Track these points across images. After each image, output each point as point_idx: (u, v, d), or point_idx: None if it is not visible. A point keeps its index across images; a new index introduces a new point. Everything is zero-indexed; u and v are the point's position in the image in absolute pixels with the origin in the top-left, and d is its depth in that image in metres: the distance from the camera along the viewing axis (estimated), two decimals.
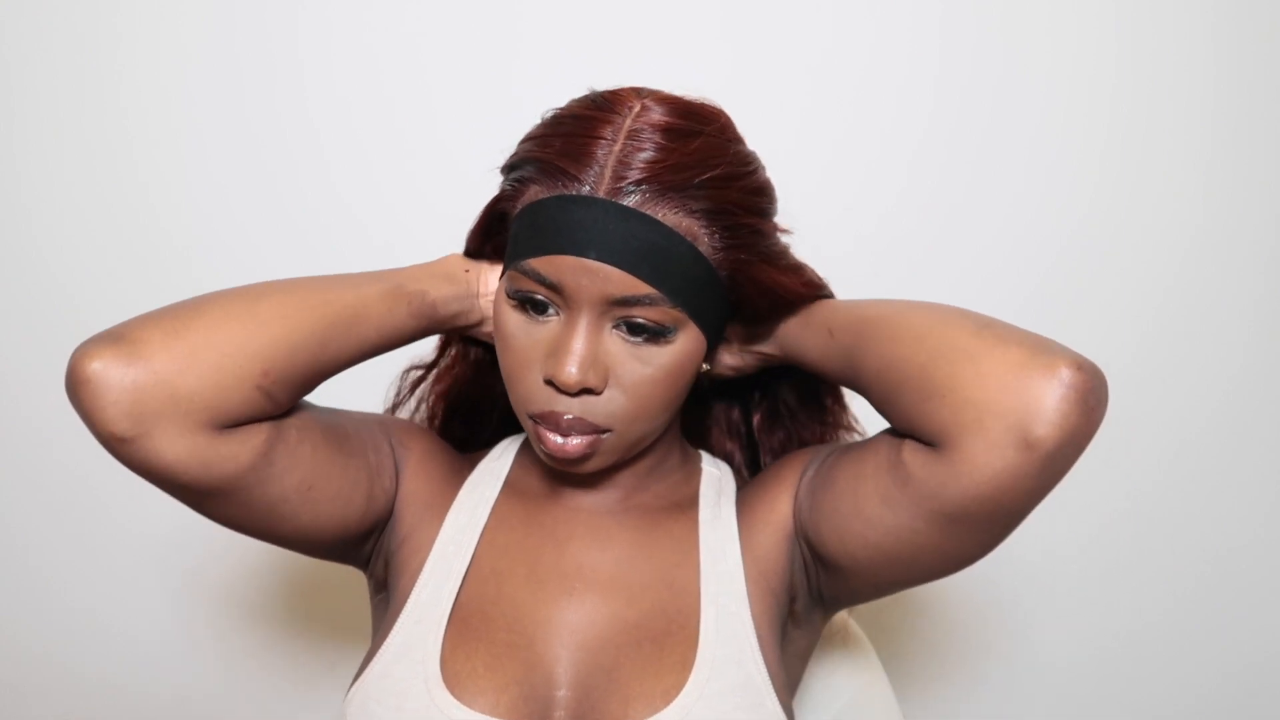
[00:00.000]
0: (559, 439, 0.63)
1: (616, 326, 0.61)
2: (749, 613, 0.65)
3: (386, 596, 0.71)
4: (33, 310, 1.18)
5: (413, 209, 1.15)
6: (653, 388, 0.63)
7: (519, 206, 0.64)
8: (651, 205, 0.59)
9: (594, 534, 0.70)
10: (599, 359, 0.61)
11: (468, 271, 0.70)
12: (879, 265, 1.18)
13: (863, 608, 0.75)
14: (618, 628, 0.65)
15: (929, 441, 0.57)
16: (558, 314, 0.62)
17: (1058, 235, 1.20)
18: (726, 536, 0.69)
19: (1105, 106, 1.18)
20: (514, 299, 0.63)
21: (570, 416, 0.62)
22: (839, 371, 0.65)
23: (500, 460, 0.76)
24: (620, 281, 0.59)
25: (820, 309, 0.69)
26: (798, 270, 0.69)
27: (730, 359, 0.74)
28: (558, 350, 0.61)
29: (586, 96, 0.65)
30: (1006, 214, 1.19)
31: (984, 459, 0.53)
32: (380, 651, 0.65)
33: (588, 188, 0.59)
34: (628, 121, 0.61)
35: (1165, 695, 1.25)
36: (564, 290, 0.60)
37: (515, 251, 0.62)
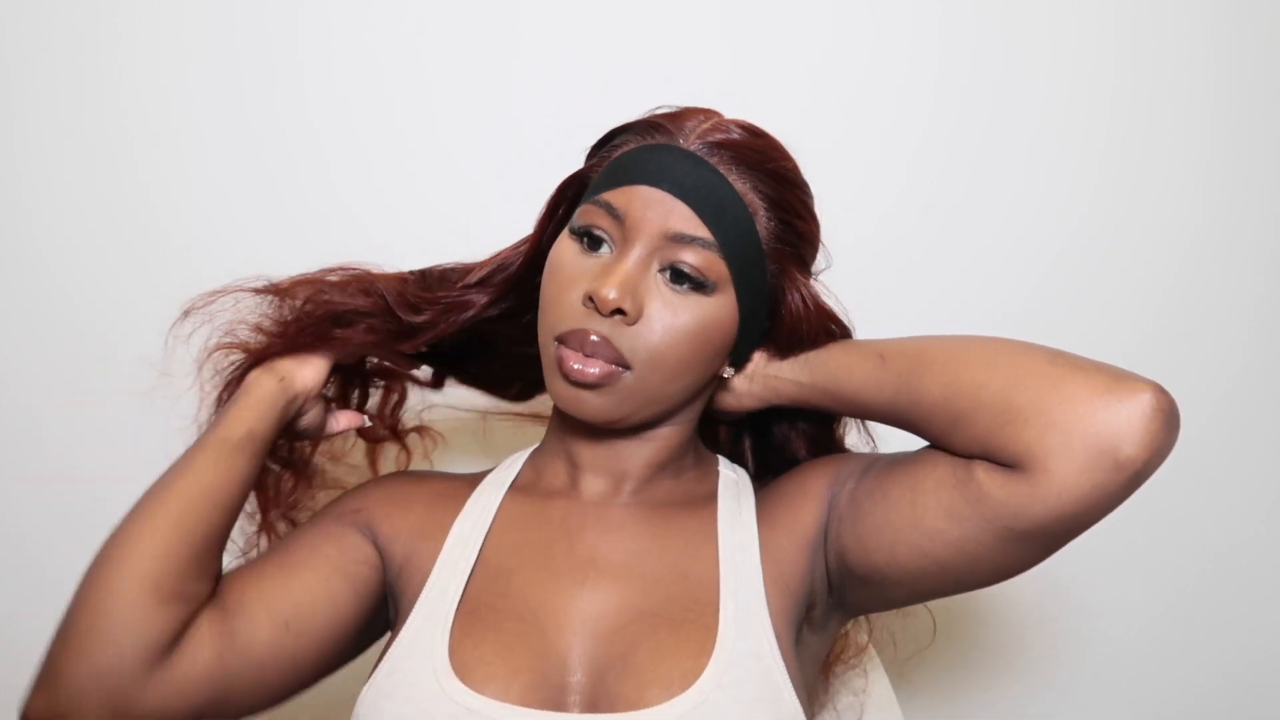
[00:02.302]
0: (579, 364, 0.64)
1: (663, 270, 0.65)
2: (767, 611, 0.65)
3: (395, 613, 0.71)
4: (33, 310, 1.18)
5: (413, 209, 1.15)
6: (680, 337, 0.65)
7: (606, 163, 0.69)
8: (725, 168, 0.65)
9: (606, 525, 0.70)
10: (639, 290, 0.64)
11: (282, 380, 0.72)
12: (879, 265, 1.18)
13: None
14: (632, 615, 0.65)
15: (1006, 463, 0.59)
16: (611, 250, 0.66)
17: (1057, 235, 1.20)
18: (747, 538, 0.69)
19: (1105, 107, 1.18)
20: (574, 233, 0.67)
21: (597, 337, 0.64)
22: (887, 398, 0.67)
23: (508, 469, 0.77)
24: (683, 217, 0.64)
25: (861, 340, 0.74)
26: (831, 309, 0.74)
27: (741, 385, 0.74)
28: (604, 272, 0.64)
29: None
30: (1006, 214, 1.19)
31: (1074, 480, 0.56)
32: (389, 651, 0.65)
33: (674, 140, 0.66)
34: (716, 116, 0.69)
35: (1167, 693, 1.25)
36: (628, 219, 0.64)
37: (591, 191, 0.67)
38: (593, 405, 0.66)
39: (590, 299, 0.63)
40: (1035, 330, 1.20)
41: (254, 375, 0.72)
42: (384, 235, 1.15)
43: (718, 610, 0.64)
